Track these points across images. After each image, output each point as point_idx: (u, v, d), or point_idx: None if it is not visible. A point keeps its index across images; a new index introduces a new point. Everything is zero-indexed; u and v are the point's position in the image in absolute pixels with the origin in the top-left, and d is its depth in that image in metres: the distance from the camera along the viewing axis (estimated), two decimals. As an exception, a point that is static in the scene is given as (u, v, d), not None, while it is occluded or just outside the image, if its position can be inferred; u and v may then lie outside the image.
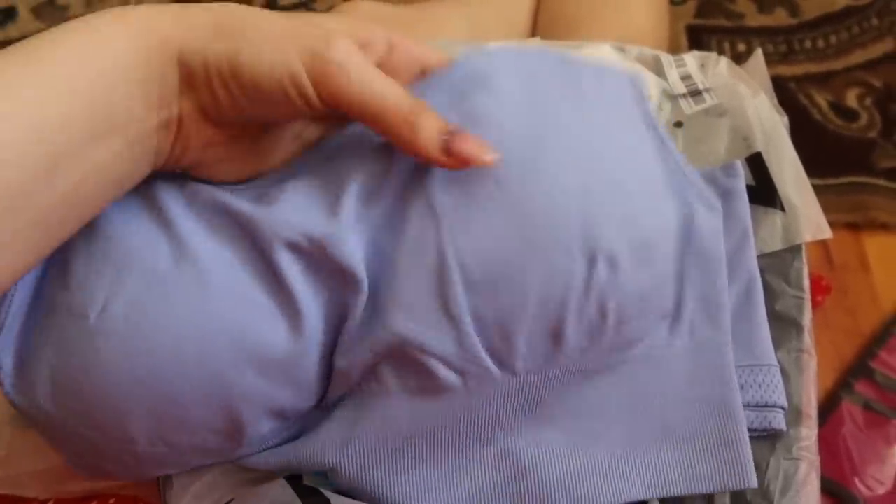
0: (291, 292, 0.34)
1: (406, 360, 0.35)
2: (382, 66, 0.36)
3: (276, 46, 0.32)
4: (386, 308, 0.35)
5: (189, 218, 0.35)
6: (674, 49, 0.59)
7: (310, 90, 0.32)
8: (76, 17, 0.32)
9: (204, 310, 0.33)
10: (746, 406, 0.41)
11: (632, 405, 0.39)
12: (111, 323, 0.33)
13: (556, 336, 0.35)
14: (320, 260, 0.35)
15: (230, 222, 0.35)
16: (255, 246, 0.35)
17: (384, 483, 0.38)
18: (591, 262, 0.34)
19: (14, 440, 0.44)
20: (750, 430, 0.40)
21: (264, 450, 0.39)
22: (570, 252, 0.34)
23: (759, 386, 0.41)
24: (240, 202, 0.35)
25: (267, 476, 0.40)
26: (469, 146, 0.33)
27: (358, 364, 0.36)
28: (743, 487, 0.38)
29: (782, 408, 0.41)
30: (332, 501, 0.37)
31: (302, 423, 0.39)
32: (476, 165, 0.33)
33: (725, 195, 0.47)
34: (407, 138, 0.33)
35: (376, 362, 0.36)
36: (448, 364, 0.35)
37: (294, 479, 0.39)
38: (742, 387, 0.41)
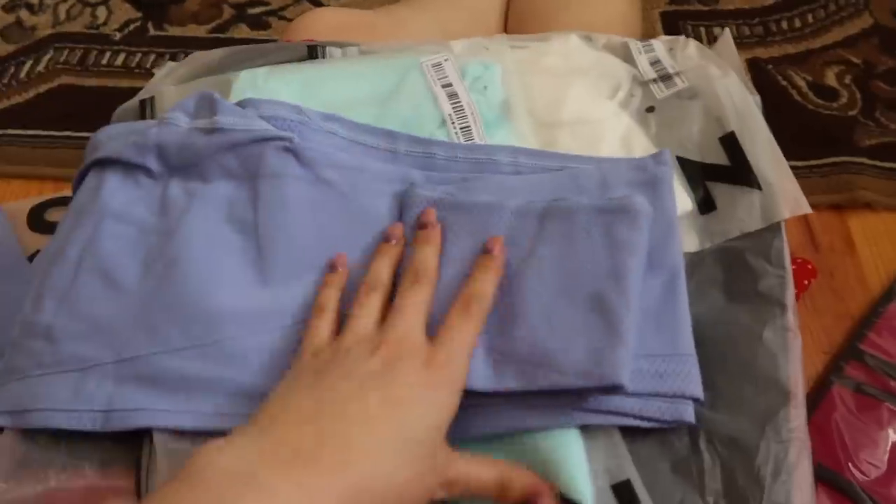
0: None
1: None
2: None
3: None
4: None
5: None
6: (648, 36, 0.59)
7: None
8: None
9: None
10: (663, 396, 0.40)
11: None
12: None
13: None
14: None
15: None
16: None
17: None
18: None
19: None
20: (660, 420, 0.40)
21: None
22: None
23: (678, 375, 0.40)
24: None
25: None
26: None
27: None
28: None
29: (698, 399, 0.40)
30: None
31: None
32: None
33: (653, 183, 0.46)
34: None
35: None
36: None
37: None
38: (661, 376, 0.40)
